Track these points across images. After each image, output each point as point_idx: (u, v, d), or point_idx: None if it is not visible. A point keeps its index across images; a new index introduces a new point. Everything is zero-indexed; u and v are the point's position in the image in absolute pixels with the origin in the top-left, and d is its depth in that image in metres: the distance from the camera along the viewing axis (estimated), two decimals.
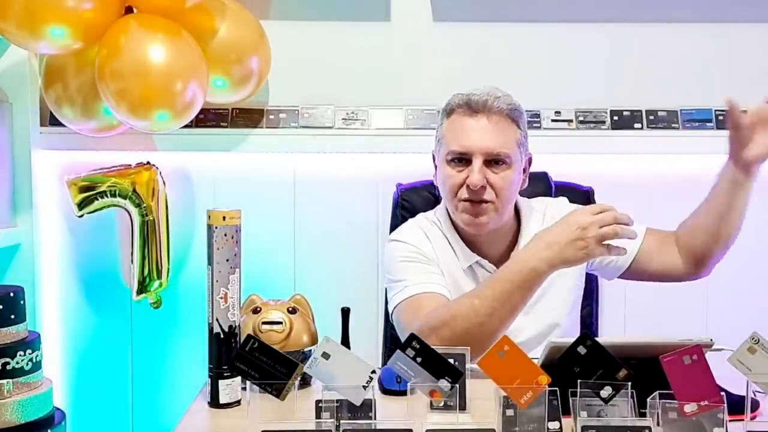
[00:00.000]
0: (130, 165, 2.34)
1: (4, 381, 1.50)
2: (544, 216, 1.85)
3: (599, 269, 1.89)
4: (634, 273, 1.86)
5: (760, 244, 2.41)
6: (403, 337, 1.72)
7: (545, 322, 1.79)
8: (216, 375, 1.45)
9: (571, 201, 1.93)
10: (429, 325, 1.61)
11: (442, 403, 1.33)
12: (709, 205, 1.78)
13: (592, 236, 1.56)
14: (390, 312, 1.81)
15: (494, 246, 1.82)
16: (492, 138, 1.73)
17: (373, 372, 1.24)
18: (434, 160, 1.86)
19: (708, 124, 2.39)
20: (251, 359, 1.27)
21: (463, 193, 1.75)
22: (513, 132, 1.76)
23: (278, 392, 1.26)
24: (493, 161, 1.74)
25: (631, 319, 2.38)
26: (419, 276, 1.76)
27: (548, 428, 1.23)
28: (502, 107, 1.75)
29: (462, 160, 1.75)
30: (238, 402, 1.46)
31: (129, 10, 2.14)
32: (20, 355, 1.53)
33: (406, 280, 1.76)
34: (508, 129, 1.76)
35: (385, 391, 1.50)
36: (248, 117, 2.40)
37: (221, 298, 1.44)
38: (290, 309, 1.57)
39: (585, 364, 1.23)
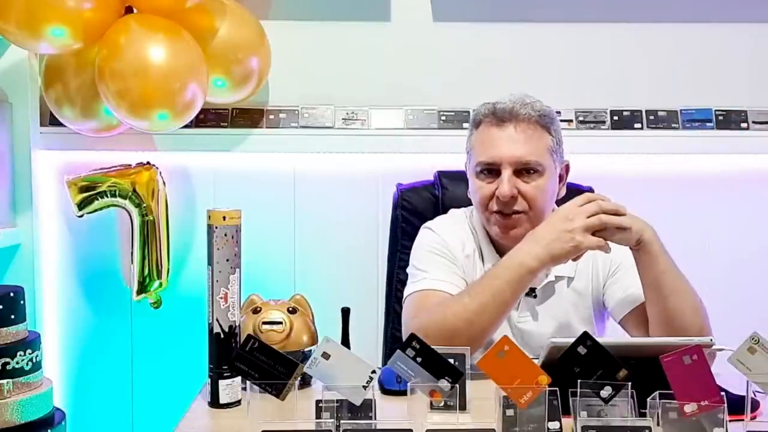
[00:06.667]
0: (130, 165, 2.34)
1: (4, 381, 1.50)
2: None
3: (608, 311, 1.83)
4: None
5: (759, 244, 2.41)
6: (402, 328, 1.72)
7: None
8: (216, 375, 1.44)
9: None
10: (422, 322, 1.61)
11: (442, 403, 1.33)
12: None
13: (577, 227, 1.55)
14: (403, 298, 1.81)
15: None
16: (520, 147, 1.70)
17: (373, 372, 1.24)
18: (466, 172, 1.83)
19: (708, 124, 2.39)
20: (251, 359, 1.27)
21: (494, 205, 1.72)
22: (544, 139, 1.72)
23: (278, 392, 1.26)
24: (523, 170, 1.70)
25: None
26: (438, 272, 1.75)
27: (548, 428, 1.23)
28: (531, 114, 1.72)
29: (491, 171, 1.72)
30: (238, 402, 1.46)
31: (129, 10, 2.14)
32: (20, 355, 1.53)
33: (425, 272, 1.76)
34: (537, 136, 1.72)
35: (385, 391, 1.50)
36: (248, 117, 2.40)
37: (221, 298, 1.44)
38: (290, 309, 1.56)
39: (585, 364, 1.23)
